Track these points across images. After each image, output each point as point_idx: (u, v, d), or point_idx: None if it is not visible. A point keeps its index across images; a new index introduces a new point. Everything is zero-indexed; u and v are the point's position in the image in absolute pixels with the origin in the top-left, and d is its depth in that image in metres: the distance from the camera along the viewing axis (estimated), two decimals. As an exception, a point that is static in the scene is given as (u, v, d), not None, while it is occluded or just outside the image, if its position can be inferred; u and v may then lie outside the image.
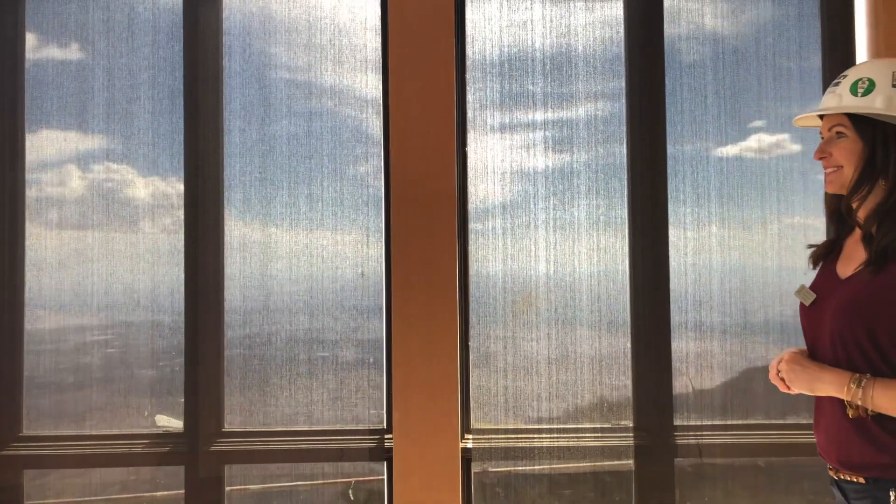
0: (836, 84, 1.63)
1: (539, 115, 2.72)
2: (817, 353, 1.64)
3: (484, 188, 2.71)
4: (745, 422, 2.70)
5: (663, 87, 2.67)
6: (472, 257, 2.70)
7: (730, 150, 2.68)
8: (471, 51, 2.71)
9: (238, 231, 2.73)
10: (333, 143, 2.74)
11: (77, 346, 2.78)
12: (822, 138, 1.66)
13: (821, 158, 1.64)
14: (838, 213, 1.68)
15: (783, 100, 2.66)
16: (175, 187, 2.74)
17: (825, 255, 1.72)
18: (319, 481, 2.79)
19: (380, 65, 2.72)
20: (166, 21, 2.74)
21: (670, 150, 2.65)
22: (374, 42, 2.73)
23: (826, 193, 1.69)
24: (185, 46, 2.73)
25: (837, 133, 1.61)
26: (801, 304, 1.69)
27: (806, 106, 2.66)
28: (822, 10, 2.67)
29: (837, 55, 2.64)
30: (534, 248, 2.69)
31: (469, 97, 2.71)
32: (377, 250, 2.71)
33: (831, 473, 1.64)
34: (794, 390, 1.64)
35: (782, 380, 1.66)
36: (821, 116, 1.68)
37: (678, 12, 2.68)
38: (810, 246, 1.77)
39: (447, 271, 2.59)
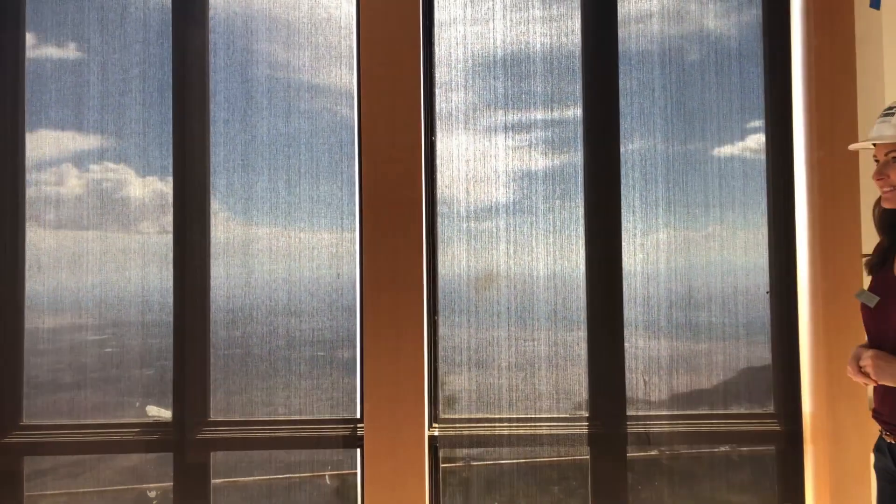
0: (891, 114, 1.86)
1: (501, 113, 2.88)
2: (885, 348, 1.86)
3: (449, 175, 2.85)
4: (693, 411, 2.85)
5: (617, 87, 2.83)
6: (441, 250, 2.83)
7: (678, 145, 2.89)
8: (438, 49, 2.86)
9: (223, 215, 2.87)
10: (310, 132, 2.88)
11: (71, 340, 2.90)
12: (877, 162, 1.89)
13: (879, 180, 1.87)
14: (890, 224, 1.93)
15: (726, 94, 2.86)
16: (165, 178, 2.88)
17: (881, 264, 1.95)
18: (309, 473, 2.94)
19: (354, 62, 2.86)
20: (156, 19, 2.88)
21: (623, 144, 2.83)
22: (348, 40, 2.88)
23: (881, 208, 1.93)
24: (173, 43, 2.86)
25: (893, 158, 1.85)
26: (864, 306, 1.92)
27: (745, 105, 2.87)
28: (764, 20, 2.87)
29: (777, 62, 2.84)
30: (497, 233, 2.85)
31: (437, 91, 2.85)
32: (351, 238, 2.84)
33: (887, 438, 1.89)
34: (880, 382, 1.85)
35: (866, 374, 1.87)
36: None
37: (629, 16, 2.87)
38: (864, 255, 2.01)
39: (415, 264, 2.70)
